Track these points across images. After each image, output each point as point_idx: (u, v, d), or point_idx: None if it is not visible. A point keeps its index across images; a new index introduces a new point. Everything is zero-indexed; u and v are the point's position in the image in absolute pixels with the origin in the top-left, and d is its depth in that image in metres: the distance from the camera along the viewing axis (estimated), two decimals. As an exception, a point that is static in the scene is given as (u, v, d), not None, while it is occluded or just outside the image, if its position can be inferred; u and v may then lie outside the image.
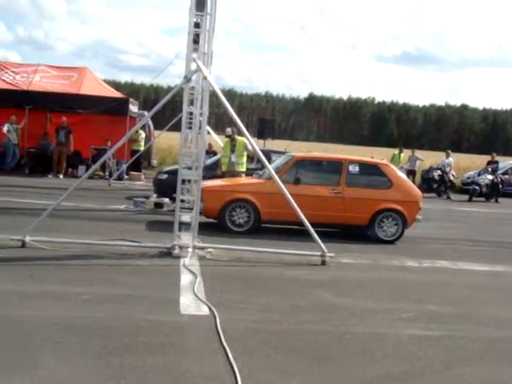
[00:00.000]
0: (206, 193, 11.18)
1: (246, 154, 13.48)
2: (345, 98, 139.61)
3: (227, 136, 15.08)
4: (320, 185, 11.46)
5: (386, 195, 11.69)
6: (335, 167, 11.83)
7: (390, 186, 11.78)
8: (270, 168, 9.39)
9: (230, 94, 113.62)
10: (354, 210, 11.43)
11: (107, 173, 20.76)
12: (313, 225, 11.26)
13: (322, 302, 6.94)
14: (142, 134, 22.59)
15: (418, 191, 12.41)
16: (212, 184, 11.77)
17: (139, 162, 22.77)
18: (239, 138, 13.58)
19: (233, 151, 13.61)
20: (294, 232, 10.96)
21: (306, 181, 11.40)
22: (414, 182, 24.71)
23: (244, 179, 12.57)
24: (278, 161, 12.77)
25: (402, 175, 12.77)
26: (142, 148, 22.10)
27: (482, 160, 31.17)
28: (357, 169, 11.79)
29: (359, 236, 11.57)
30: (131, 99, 22.48)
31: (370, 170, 12.07)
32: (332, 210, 10.97)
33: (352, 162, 11.98)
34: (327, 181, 11.70)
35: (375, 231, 11.56)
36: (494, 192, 23.81)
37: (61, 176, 20.22)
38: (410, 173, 25.03)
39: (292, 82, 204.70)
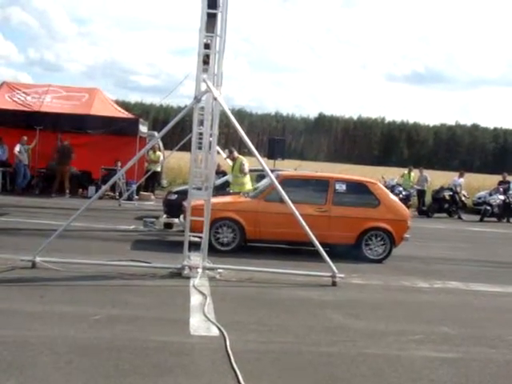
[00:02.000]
0: (191, 210, 11.17)
1: (245, 173, 13.41)
2: (355, 117, 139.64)
3: (226, 157, 15.18)
4: (306, 203, 11.15)
5: (373, 214, 11.60)
6: (322, 185, 11.76)
7: (377, 204, 11.70)
8: (279, 187, 9.33)
9: (240, 114, 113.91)
10: (341, 228, 11.29)
11: (117, 193, 20.82)
12: (299, 243, 11.22)
13: (333, 324, 6.88)
14: (161, 156, 22.75)
15: (406, 210, 12.29)
16: (197, 203, 11.74)
17: (153, 183, 22.89)
18: (240, 157, 13.62)
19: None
20: (303, 252, 10.93)
21: (293, 199, 11.00)
22: (423, 201, 24.73)
23: (230, 198, 12.40)
24: (266, 179, 12.67)
25: (390, 194, 12.66)
26: (156, 169, 22.22)
27: (493, 180, 31.02)
28: (344, 187, 11.70)
29: (345, 255, 11.16)
30: (141, 119, 22.61)
31: (357, 189, 11.98)
32: (318, 229, 10.32)
33: (339, 180, 11.90)
34: (314, 199, 11.58)
35: (362, 250, 11.46)
36: (505, 212, 23.67)
37: (67, 196, 20.28)
38: (420, 192, 25.00)
39: (302, 102, 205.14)
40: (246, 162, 13.62)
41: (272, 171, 13.97)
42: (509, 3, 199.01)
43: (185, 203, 12.12)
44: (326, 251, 8.98)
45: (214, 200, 11.63)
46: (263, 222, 11.21)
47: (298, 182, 12.04)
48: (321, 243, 10.80)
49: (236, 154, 14.07)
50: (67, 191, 20.47)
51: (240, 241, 11.29)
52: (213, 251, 10.49)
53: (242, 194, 12.44)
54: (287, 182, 11.53)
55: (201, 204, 9.79)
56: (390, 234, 11.52)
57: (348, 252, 11.31)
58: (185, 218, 11.46)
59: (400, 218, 11.75)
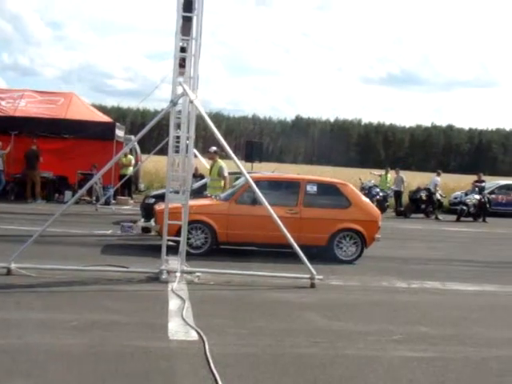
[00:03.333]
0: (160, 214, 11.10)
1: (224, 178, 13.27)
2: (332, 119, 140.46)
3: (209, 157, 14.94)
4: (277, 205, 10.53)
5: (344, 215, 11.63)
6: (293, 187, 11.76)
7: (348, 205, 11.74)
8: (256, 189, 9.29)
9: (217, 118, 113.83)
10: (312, 230, 11.26)
11: (94, 198, 20.66)
12: (271, 246, 11.16)
13: (313, 325, 6.88)
14: (133, 159, 22.62)
15: (376, 210, 12.33)
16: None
17: (129, 187, 22.74)
18: (219, 161, 13.50)
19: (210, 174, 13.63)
20: (281, 254, 10.93)
21: None
22: (401, 202, 24.91)
23: (200, 201, 12.13)
24: (237, 182, 12.64)
25: (361, 195, 12.70)
26: (127, 172, 22.05)
27: (468, 180, 31.33)
28: (314, 189, 11.71)
29: (317, 257, 10.83)
30: (118, 124, 22.45)
31: (328, 190, 12.02)
32: (290, 231, 9.71)
33: (310, 181, 11.90)
34: (285, 201, 11.48)
35: (334, 251, 11.47)
36: (481, 212, 23.91)
37: (39, 201, 20.07)
38: (397, 193, 25.19)
39: (279, 105, 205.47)
40: (226, 167, 13.52)
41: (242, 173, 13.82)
42: (480, 6, 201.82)
43: (156, 207, 12.10)
44: (280, 252, 8.86)
45: None
46: (234, 224, 11.19)
47: (268, 184, 11.97)
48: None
49: (217, 156, 13.87)
50: (38, 196, 20.22)
51: (211, 244, 11.24)
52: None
53: (214, 196, 12.37)
54: (258, 184, 11.33)
55: (172, 208, 9.67)
56: (362, 234, 11.56)
57: (320, 253, 11.29)
58: (156, 221, 11.43)
59: (371, 219, 11.80)
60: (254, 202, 11.06)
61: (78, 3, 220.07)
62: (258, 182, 11.13)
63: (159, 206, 11.90)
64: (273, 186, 11.97)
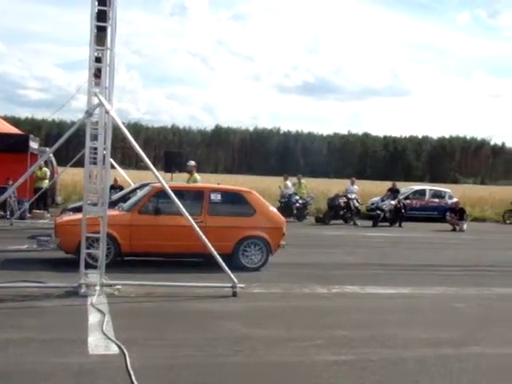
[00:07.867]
0: (60, 227, 10.95)
1: None
2: (251, 128, 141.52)
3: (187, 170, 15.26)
4: (181, 215, 9.90)
5: (249, 223, 11.74)
6: (197, 196, 11.79)
7: (252, 213, 11.86)
8: (177, 201, 9.26)
9: (136, 128, 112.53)
10: (217, 238, 10.80)
11: (8, 212, 19.99)
12: (177, 255, 11.15)
13: (235, 334, 6.90)
14: (48, 172, 22.06)
15: (281, 217, 12.43)
16: (67, 218, 11.53)
17: (45, 200, 22.13)
18: (195, 174, 13.64)
19: None
20: (203, 264, 10.90)
21: (167, 211, 10.92)
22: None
23: None
24: (141, 192, 12.58)
25: (266, 202, 12.79)
26: (43, 185, 21.49)
27: (385, 185, 32.22)
28: (219, 197, 11.79)
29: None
30: (31, 136, 21.87)
31: (233, 198, 12.16)
32: (195, 240, 9.60)
33: (214, 190, 11.99)
34: (189, 210, 10.60)
35: (239, 259, 11.51)
36: (397, 217, 24.61)
37: None
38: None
39: (198, 114, 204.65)
40: (200, 179, 13.68)
41: (147, 184, 13.81)
42: (390, 19, 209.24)
43: (56, 219, 11.90)
44: (201, 262, 8.81)
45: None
46: (137, 235, 11.08)
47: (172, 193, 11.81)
48: (197, 254, 10.66)
49: (195, 170, 14.04)
50: None
51: (114, 255, 10.97)
52: (86, 267, 9.26)
53: (117, 207, 12.21)
54: (161, 193, 11.11)
55: (69, 220, 9.40)
56: (266, 241, 11.66)
57: (225, 261, 11.21)
58: (56, 235, 11.20)
59: (275, 226, 11.92)
60: (158, 211, 11.06)
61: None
62: (161, 191, 10.73)
63: (60, 219, 11.72)
64: (177, 195, 11.68)
